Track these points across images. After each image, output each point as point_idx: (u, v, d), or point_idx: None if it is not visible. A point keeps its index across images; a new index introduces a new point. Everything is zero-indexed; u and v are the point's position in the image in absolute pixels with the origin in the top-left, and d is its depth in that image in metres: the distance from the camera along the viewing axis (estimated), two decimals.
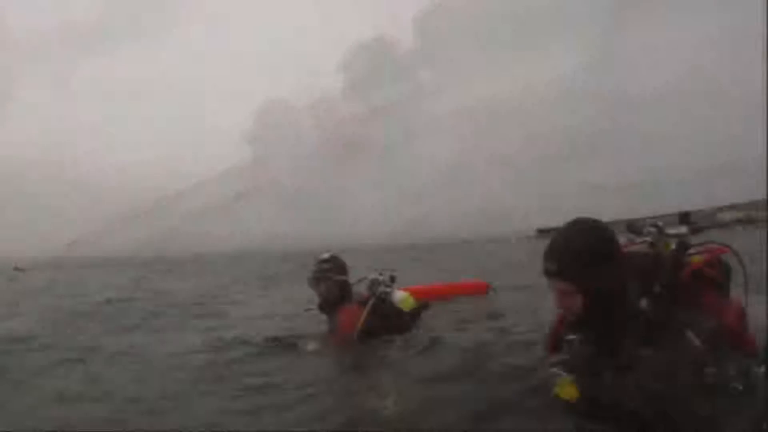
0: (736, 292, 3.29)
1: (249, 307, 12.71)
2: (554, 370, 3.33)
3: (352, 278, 6.32)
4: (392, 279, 6.28)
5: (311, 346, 6.12)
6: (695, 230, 3.64)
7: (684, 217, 3.54)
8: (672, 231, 3.51)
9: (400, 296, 6.27)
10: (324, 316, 6.33)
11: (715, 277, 3.15)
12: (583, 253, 2.97)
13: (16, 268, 44.42)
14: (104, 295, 16.06)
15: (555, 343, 3.56)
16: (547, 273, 3.08)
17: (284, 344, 6.48)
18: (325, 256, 6.27)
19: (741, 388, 2.72)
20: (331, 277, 6.08)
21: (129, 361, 6.32)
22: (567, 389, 3.06)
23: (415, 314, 6.36)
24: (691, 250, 3.30)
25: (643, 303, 3.03)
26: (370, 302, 5.93)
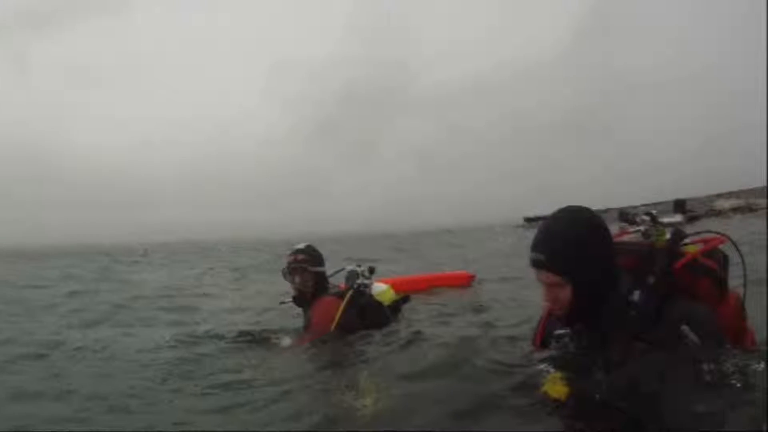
0: (734, 284, 3.28)
1: (220, 300, 12.71)
2: (542, 366, 3.33)
3: (329, 269, 6.30)
4: (371, 270, 6.28)
5: (286, 341, 6.11)
6: (691, 218, 3.64)
7: (679, 205, 3.54)
8: (666, 219, 3.50)
9: (380, 288, 6.28)
10: (299, 310, 6.31)
11: (712, 268, 3.14)
12: (572, 243, 2.96)
13: None
14: (67, 287, 15.98)
15: (543, 338, 3.57)
16: (535, 264, 3.07)
17: (257, 339, 6.47)
18: (301, 246, 6.24)
19: (739, 385, 2.71)
20: (306, 269, 6.04)
21: (93, 357, 6.29)
22: (556, 387, 3.06)
23: (395, 307, 6.37)
24: (687, 240, 3.29)
25: (636, 296, 3.02)
26: (348, 295, 5.92)
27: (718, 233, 3.42)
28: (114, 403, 4.49)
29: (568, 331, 3.26)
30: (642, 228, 3.55)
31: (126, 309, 11.05)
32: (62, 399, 4.70)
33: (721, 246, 3.31)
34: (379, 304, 6.12)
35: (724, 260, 3.27)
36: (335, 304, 5.85)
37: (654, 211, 3.57)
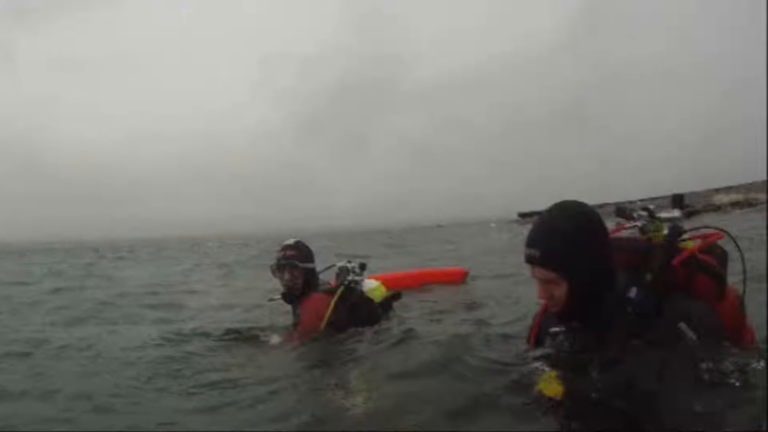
0: (733, 281, 3.28)
1: (207, 297, 12.70)
2: (537, 365, 3.33)
3: (319, 266, 6.28)
4: (362, 266, 6.26)
5: (274, 338, 6.09)
6: (689, 214, 3.63)
7: (677, 200, 3.52)
8: (664, 215, 3.49)
9: (371, 285, 6.26)
10: (288, 307, 6.29)
11: (711, 264, 3.14)
12: (567, 239, 2.95)
13: None
14: (52, 283, 15.97)
15: (538, 336, 3.56)
16: (530, 260, 3.06)
17: (245, 337, 6.46)
18: (290, 241, 6.21)
19: (739, 384, 2.71)
20: (296, 265, 6.01)
21: (78, 355, 6.27)
22: (551, 386, 3.06)
23: (386, 304, 6.35)
24: (685, 236, 3.29)
25: (633, 292, 3.01)
26: (339, 292, 5.90)
27: (716, 229, 3.41)
28: (99, 402, 4.46)
29: (563, 328, 3.26)
30: (639, 223, 3.54)
31: (111, 306, 11.06)
32: (46, 398, 4.68)
33: (719, 242, 3.31)
34: (371, 301, 6.11)
35: (723, 256, 3.27)
36: (325, 301, 5.83)
37: (651, 206, 3.56)
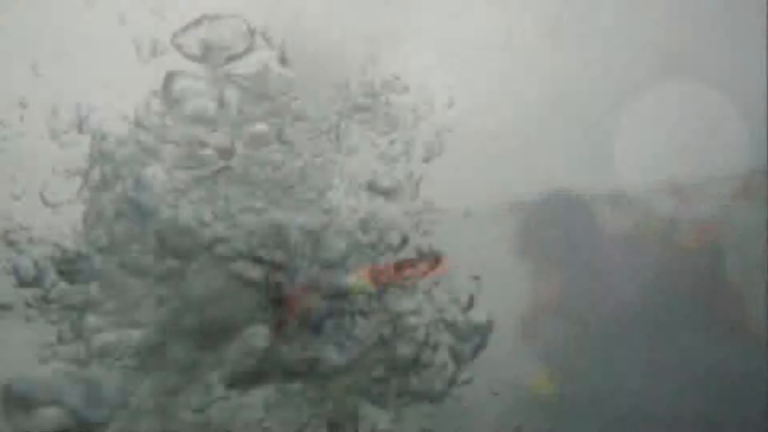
0: (731, 276, 3.27)
1: None
2: (529, 362, 3.32)
3: None
4: (344, 259, 6.24)
5: (256, 335, 6.06)
6: (685, 205, 3.63)
7: (673, 190, 3.52)
8: (659, 206, 3.49)
9: (354, 279, 6.23)
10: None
11: (708, 259, 3.14)
12: (558, 232, 2.94)
13: None
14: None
15: (530, 332, 3.55)
16: (519, 253, 3.05)
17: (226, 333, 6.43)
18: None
19: (738, 383, 2.71)
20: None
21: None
22: (543, 384, 3.05)
23: (368, 299, 6.33)
24: (681, 228, 3.28)
25: (628, 287, 3.01)
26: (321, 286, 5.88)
27: (715, 221, 3.41)
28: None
29: (555, 324, 3.25)
30: (632, 215, 3.54)
31: None
32: None
33: (717, 234, 3.31)
34: (352, 295, 6.09)
35: (721, 250, 3.26)
36: (307, 296, 5.81)
37: (646, 197, 3.56)
